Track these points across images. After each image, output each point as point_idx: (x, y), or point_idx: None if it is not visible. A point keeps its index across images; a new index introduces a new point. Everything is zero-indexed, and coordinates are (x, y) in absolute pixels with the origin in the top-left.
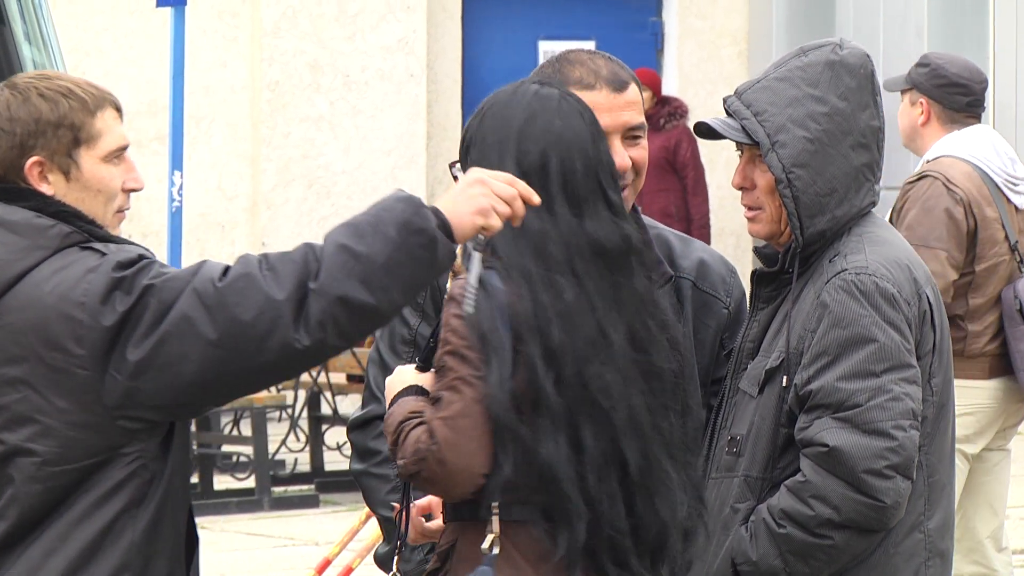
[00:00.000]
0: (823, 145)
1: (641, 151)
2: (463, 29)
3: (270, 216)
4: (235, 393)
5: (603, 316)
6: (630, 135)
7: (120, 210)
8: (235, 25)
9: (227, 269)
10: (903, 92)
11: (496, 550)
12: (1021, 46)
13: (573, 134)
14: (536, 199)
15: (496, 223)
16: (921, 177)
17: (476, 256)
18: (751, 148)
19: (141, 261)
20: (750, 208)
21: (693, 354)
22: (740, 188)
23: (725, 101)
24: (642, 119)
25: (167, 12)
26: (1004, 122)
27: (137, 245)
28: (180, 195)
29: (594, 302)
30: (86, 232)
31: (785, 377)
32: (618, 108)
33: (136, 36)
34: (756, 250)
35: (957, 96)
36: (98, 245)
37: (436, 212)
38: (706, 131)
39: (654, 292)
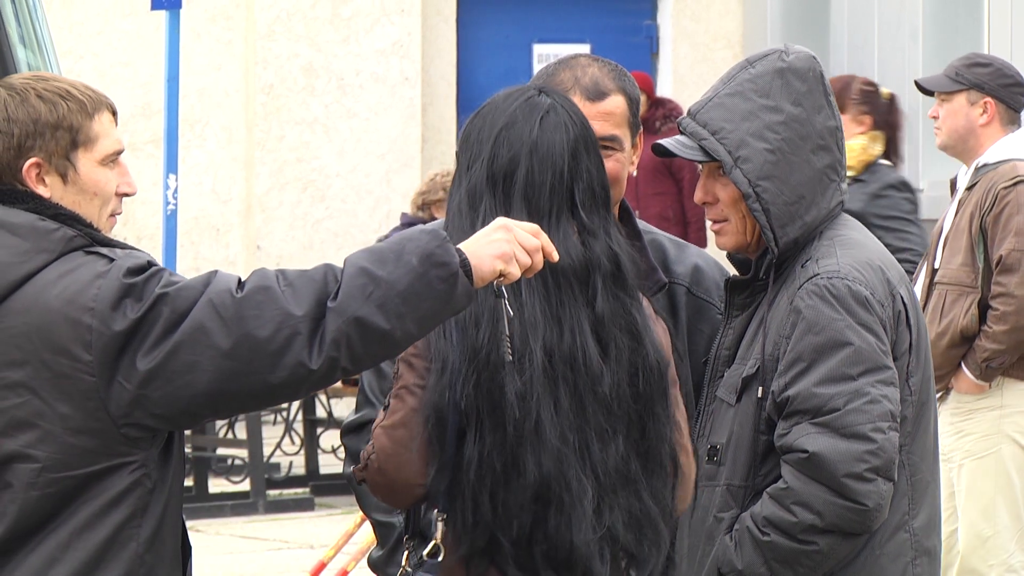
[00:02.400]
0: (784, 154)
1: (612, 163)
2: (457, 32)
3: (264, 219)
4: (242, 407)
5: (530, 329)
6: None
7: (113, 214)
8: (229, 28)
9: (241, 281)
10: (949, 93)
11: (440, 557)
12: (1016, 50)
13: (547, 146)
14: (556, 256)
15: (515, 271)
16: (1018, 182)
17: (502, 304)
18: (710, 163)
19: (151, 268)
20: (715, 222)
21: (687, 361)
22: (703, 203)
23: (680, 123)
24: (616, 132)
25: (162, 15)
26: None
27: (139, 250)
28: (175, 198)
29: (524, 313)
30: (88, 236)
31: (761, 385)
32: (586, 115)
33: (130, 39)
34: (730, 256)
35: (1019, 96)
36: (103, 250)
37: (459, 251)
38: (664, 151)
39: (623, 315)
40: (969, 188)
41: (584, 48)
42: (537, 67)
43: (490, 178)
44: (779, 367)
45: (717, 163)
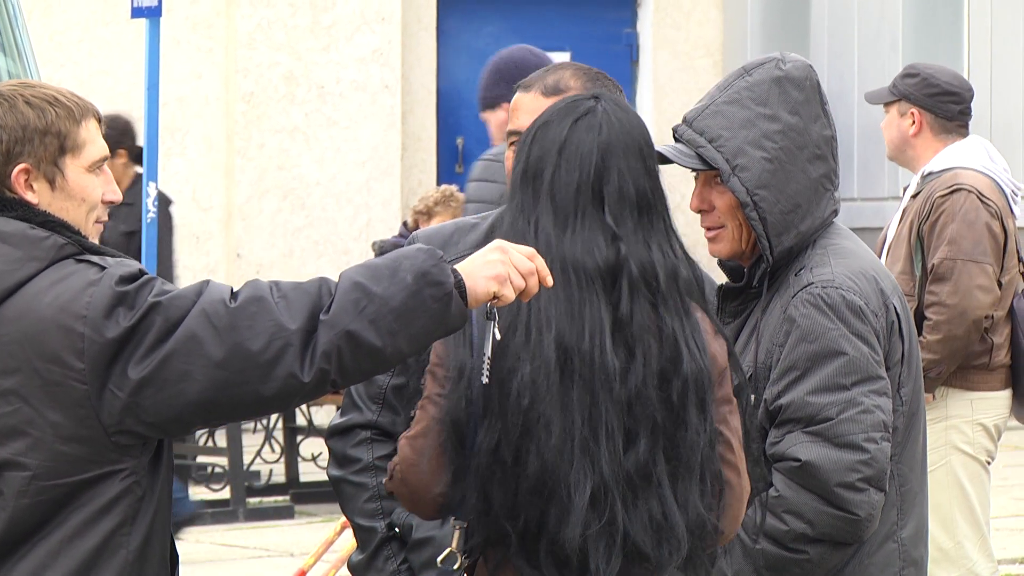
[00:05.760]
0: (782, 163)
1: None
2: (437, 40)
3: (244, 227)
4: (233, 417)
5: (543, 321)
6: None
7: (99, 221)
8: (210, 36)
9: (234, 291)
10: (888, 104)
11: (456, 565)
12: (995, 59)
13: (575, 146)
14: (550, 281)
15: (509, 293)
16: (954, 190)
17: (491, 326)
18: (706, 171)
19: (143, 276)
20: (710, 229)
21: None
22: (699, 211)
23: (675, 131)
24: None
25: (142, 23)
26: (978, 135)
27: (129, 258)
28: (155, 206)
29: (540, 304)
30: (78, 244)
31: (753, 393)
32: (538, 110)
33: (110, 47)
34: (721, 264)
35: (949, 105)
36: (94, 258)
37: (454, 271)
38: (661, 158)
39: (655, 323)
40: (914, 196)
41: (564, 56)
42: None
43: (523, 175)
44: (772, 375)
45: (714, 171)
